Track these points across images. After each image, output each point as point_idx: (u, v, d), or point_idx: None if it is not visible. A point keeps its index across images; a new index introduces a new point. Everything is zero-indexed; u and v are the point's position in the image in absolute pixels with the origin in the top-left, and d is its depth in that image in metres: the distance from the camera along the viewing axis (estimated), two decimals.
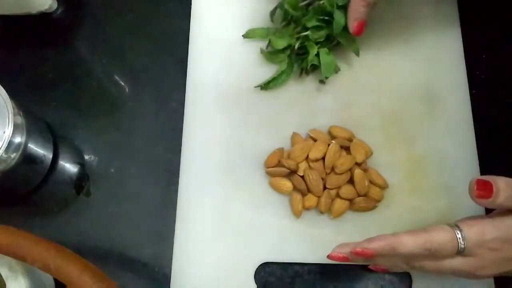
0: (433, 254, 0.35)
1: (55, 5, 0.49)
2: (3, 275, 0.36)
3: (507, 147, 0.47)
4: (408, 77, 0.48)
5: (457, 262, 0.36)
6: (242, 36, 0.48)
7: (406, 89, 0.47)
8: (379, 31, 0.49)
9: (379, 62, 0.48)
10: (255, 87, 0.46)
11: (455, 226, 0.35)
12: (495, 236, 0.34)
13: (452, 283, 0.41)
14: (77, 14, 0.51)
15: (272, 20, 0.48)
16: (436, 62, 0.48)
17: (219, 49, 0.48)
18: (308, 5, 0.45)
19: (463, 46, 0.49)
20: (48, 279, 0.40)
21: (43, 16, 0.49)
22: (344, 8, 0.44)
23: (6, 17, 0.48)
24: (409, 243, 0.35)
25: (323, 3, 0.44)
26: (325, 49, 0.45)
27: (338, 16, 0.44)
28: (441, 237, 0.35)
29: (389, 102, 0.47)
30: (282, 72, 0.46)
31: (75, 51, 0.49)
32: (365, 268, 0.42)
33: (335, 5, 0.43)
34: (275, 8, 0.47)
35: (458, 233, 0.35)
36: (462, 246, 0.35)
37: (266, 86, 0.46)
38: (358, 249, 0.36)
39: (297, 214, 0.43)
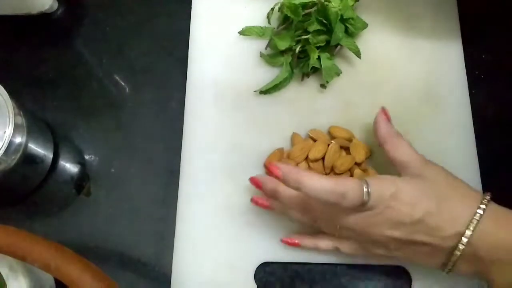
0: (339, 201, 0.34)
1: (55, 6, 0.50)
2: (4, 275, 0.36)
3: (507, 147, 0.47)
4: (408, 77, 0.48)
5: (352, 218, 0.36)
6: (238, 33, 0.48)
7: (406, 89, 0.47)
8: (380, 31, 0.49)
9: (379, 62, 0.48)
10: (255, 91, 0.46)
11: (364, 180, 0.36)
12: (393, 191, 0.35)
13: (453, 283, 0.41)
14: (77, 14, 0.51)
15: (269, 22, 0.48)
16: (436, 62, 0.48)
17: (219, 49, 0.48)
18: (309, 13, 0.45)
19: (463, 46, 0.49)
20: (49, 279, 0.40)
21: (43, 16, 0.49)
22: (345, 21, 0.45)
23: (6, 17, 0.48)
24: (315, 180, 0.35)
25: (327, 4, 0.44)
26: (326, 54, 0.46)
27: (338, 28, 0.44)
28: (347, 185, 0.35)
29: (389, 102, 0.47)
30: (284, 79, 0.46)
31: (75, 51, 0.49)
32: (365, 268, 0.42)
33: (339, 16, 0.44)
34: (272, 9, 0.48)
35: (365, 186, 0.35)
36: (367, 198, 0.35)
37: (266, 91, 0.46)
38: (269, 164, 0.36)
39: None
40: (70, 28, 0.50)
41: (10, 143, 0.37)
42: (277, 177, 0.36)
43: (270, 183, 0.39)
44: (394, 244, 0.37)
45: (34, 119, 0.43)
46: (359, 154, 0.43)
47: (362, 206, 0.35)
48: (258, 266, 0.42)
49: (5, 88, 0.38)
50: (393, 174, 0.44)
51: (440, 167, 0.38)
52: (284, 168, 0.36)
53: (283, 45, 0.46)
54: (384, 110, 0.41)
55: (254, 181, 0.40)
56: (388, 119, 0.41)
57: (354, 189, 0.35)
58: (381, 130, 0.40)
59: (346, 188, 0.35)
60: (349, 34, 0.46)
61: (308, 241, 0.41)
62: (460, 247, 0.35)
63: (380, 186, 0.36)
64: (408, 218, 0.35)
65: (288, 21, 0.47)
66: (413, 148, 0.39)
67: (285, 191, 0.38)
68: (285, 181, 0.36)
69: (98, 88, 0.48)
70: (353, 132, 0.45)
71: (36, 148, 0.42)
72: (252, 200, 0.41)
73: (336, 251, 0.40)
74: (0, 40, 0.49)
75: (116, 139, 0.46)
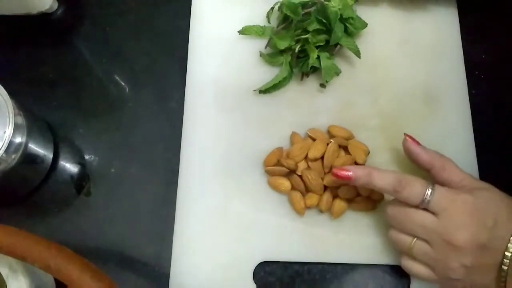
0: (401, 189, 0.37)
1: (55, 6, 0.50)
2: (4, 275, 0.36)
3: (506, 147, 0.47)
4: (408, 77, 0.48)
5: (430, 219, 0.37)
6: (238, 32, 0.48)
7: (406, 89, 0.47)
8: (380, 31, 0.49)
9: (379, 62, 0.48)
10: (254, 90, 0.46)
11: (431, 183, 0.38)
12: (464, 198, 0.36)
13: None
14: (77, 14, 0.51)
15: (269, 21, 0.48)
16: (436, 62, 0.48)
17: (219, 49, 0.48)
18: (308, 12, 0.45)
19: (463, 46, 0.49)
20: (49, 279, 0.40)
21: (43, 16, 0.49)
22: (344, 21, 0.45)
23: (6, 17, 0.48)
24: (384, 172, 0.39)
25: (327, 4, 0.44)
26: (326, 53, 0.46)
27: (338, 28, 0.44)
28: (413, 179, 0.37)
29: (389, 102, 0.47)
30: (283, 79, 0.46)
31: (75, 51, 0.49)
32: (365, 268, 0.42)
33: (338, 16, 0.44)
34: (271, 9, 0.48)
35: (430, 187, 0.37)
36: (428, 197, 0.37)
37: (265, 91, 0.46)
38: (337, 170, 0.40)
39: (301, 212, 0.43)
40: (70, 28, 0.50)
41: (10, 143, 0.37)
42: (348, 179, 0.39)
43: (362, 170, 0.39)
44: (469, 257, 0.36)
45: (34, 119, 0.43)
46: (360, 155, 0.43)
47: (423, 202, 0.37)
48: (258, 265, 0.42)
49: (5, 88, 0.38)
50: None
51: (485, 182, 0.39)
52: (351, 168, 0.39)
53: (282, 44, 0.46)
54: (410, 137, 0.41)
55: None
56: (418, 144, 0.41)
57: (417, 184, 0.37)
58: (423, 157, 0.40)
59: (411, 181, 0.37)
60: (349, 33, 0.46)
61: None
62: (505, 261, 0.35)
63: (448, 192, 0.37)
64: (482, 224, 0.36)
65: (287, 21, 0.47)
66: (458, 165, 0.40)
67: (378, 174, 0.39)
68: (356, 179, 0.39)
69: (98, 88, 0.48)
70: (353, 131, 0.45)
71: (36, 148, 0.42)
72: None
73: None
74: (0, 40, 0.50)
75: (116, 139, 0.47)
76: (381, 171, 0.39)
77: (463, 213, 0.36)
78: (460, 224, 0.36)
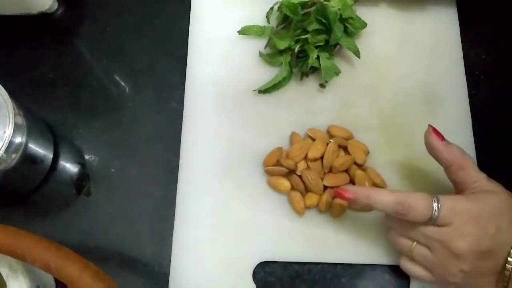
0: (405, 212, 0.36)
1: (55, 6, 0.50)
2: (4, 275, 0.36)
3: (506, 147, 0.47)
4: (408, 77, 0.48)
5: (431, 230, 0.36)
6: (238, 32, 0.48)
7: (405, 89, 0.47)
8: (379, 31, 0.49)
9: (379, 62, 0.48)
10: (254, 90, 0.46)
11: (435, 196, 0.36)
12: (467, 207, 0.36)
13: None
14: (77, 14, 0.51)
15: (268, 22, 0.48)
16: (436, 62, 0.48)
17: (218, 49, 0.48)
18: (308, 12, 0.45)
19: (463, 46, 0.49)
20: (49, 279, 0.40)
21: (43, 16, 0.49)
22: (344, 21, 0.45)
23: (6, 17, 0.48)
24: (385, 194, 0.37)
25: (326, 4, 0.44)
26: (326, 53, 0.46)
27: (337, 28, 0.44)
28: (417, 199, 0.36)
29: (388, 102, 0.47)
30: (283, 79, 0.46)
31: (75, 51, 0.49)
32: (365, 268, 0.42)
33: (338, 16, 0.44)
34: (271, 9, 0.48)
35: (435, 202, 0.36)
36: (436, 214, 0.36)
37: (265, 91, 0.46)
38: (338, 190, 0.38)
39: (300, 212, 0.43)
40: (70, 28, 0.50)
41: (10, 143, 0.38)
42: (348, 199, 0.38)
43: (362, 192, 0.38)
44: (469, 263, 0.36)
45: (34, 119, 0.43)
46: (359, 155, 0.43)
47: (431, 220, 0.36)
48: (257, 265, 0.42)
49: (5, 88, 0.38)
50: (396, 173, 0.44)
51: (499, 184, 0.39)
52: (352, 189, 0.38)
53: (282, 44, 0.46)
54: (434, 130, 0.39)
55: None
56: (442, 138, 0.39)
57: (423, 202, 0.36)
58: (444, 156, 0.39)
59: (415, 201, 0.36)
60: (348, 33, 0.46)
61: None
62: (508, 267, 0.35)
63: (452, 203, 0.36)
64: (484, 231, 0.35)
65: (287, 21, 0.47)
66: (476, 166, 0.39)
67: (378, 194, 0.37)
68: (356, 200, 0.38)
69: (98, 88, 0.48)
70: (352, 131, 0.45)
71: (36, 148, 0.42)
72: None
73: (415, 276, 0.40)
74: (0, 40, 0.50)
75: (116, 139, 0.47)
76: (381, 193, 0.37)
77: (466, 223, 0.36)
78: (462, 233, 0.36)
